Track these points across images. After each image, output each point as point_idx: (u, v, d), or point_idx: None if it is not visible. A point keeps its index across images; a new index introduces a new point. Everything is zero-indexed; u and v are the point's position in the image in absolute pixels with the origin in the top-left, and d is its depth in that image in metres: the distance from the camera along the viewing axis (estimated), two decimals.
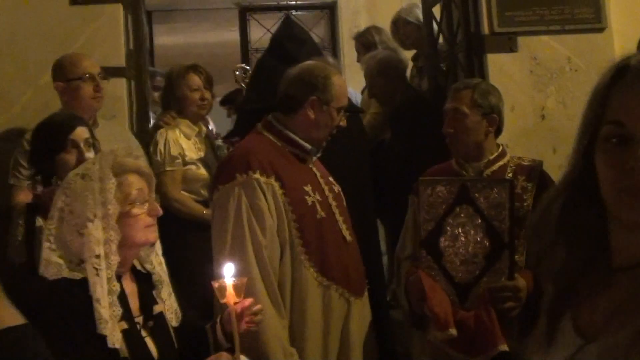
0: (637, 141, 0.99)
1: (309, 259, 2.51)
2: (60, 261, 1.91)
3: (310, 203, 2.55)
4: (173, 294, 2.20)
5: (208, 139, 3.84)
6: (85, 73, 3.16)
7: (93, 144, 2.75)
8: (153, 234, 2.07)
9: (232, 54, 6.23)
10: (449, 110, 2.67)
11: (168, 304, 2.16)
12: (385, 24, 5.17)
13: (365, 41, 5.00)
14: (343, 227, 2.64)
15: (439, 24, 4.41)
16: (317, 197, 2.58)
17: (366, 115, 4.38)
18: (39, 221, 2.63)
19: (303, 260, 2.50)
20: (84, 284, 1.90)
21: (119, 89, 3.68)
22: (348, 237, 2.64)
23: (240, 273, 2.18)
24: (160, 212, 2.07)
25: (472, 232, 2.47)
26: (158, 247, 2.21)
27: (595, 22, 3.86)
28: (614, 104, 1.03)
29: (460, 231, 2.49)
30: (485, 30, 3.87)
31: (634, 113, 1.00)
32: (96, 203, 1.91)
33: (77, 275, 1.90)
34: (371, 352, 2.70)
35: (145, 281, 2.12)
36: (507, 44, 3.87)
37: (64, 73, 3.19)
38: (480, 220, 2.46)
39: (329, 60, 3.23)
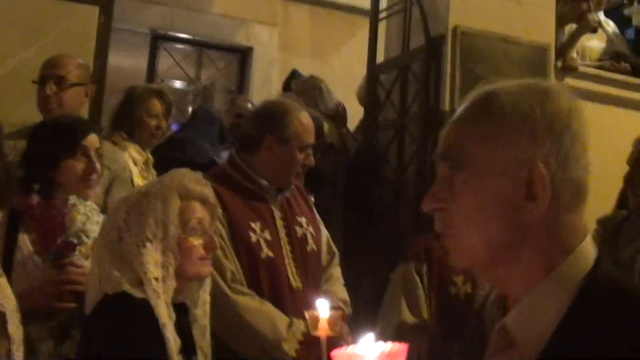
0: None
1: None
2: (119, 274, 1.77)
3: (254, 240, 2.45)
4: (208, 336, 2.01)
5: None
6: None
7: (100, 154, 2.43)
8: (206, 268, 1.95)
9: (137, 80, 5.87)
10: None
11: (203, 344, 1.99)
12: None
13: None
14: (292, 271, 2.52)
15: (388, 93, 4.50)
16: (266, 236, 2.48)
17: None
18: (23, 238, 2.19)
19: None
20: (144, 304, 1.75)
21: None
22: (294, 284, 2.51)
23: None
24: (218, 248, 1.98)
25: None
26: (207, 284, 2.04)
27: None
28: None
29: None
30: (446, 107, 3.98)
31: None
32: (157, 223, 1.81)
33: (137, 293, 1.76)
34: None
35: (183, 314, 1.93)
36: None
37: None
38: None
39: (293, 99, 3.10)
